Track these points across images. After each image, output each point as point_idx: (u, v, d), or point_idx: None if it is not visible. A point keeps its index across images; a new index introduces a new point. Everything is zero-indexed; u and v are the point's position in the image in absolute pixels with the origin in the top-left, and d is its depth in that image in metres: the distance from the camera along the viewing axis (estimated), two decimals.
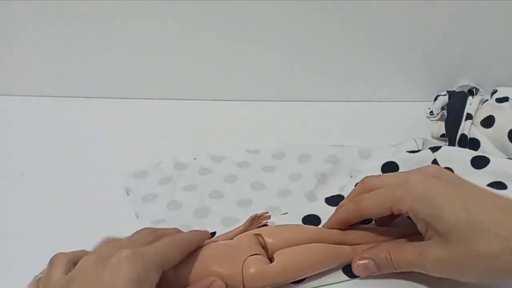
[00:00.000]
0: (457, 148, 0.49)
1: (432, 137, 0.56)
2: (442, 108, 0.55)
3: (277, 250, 0.38)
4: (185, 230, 0.44)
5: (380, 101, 0.61)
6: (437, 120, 0.56)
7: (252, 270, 0.36)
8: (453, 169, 0.46)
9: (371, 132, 0.58)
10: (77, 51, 0.62)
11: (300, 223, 0.44)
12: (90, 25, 0.60)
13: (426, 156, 0.48)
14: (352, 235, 0.40)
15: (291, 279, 0.38)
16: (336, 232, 0.40)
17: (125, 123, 0.60)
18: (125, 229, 0.45)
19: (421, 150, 0.49)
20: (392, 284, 0.40)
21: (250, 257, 0.37)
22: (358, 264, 0.39)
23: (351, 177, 0.50)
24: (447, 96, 0.55)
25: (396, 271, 0.38)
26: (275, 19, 0.58)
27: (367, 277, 0.40)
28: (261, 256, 0.38)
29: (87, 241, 0.44)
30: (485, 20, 0.57)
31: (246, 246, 0.38)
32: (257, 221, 0.42)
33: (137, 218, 0.46)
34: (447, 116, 0.54)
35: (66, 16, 0.59)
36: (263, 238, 0.39)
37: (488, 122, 0.51)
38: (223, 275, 0.36)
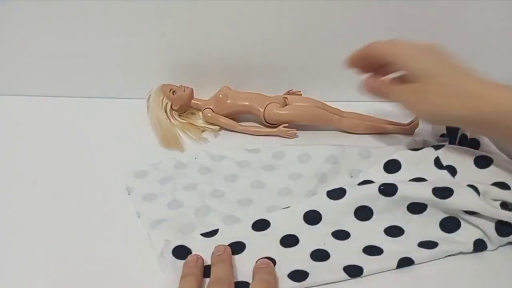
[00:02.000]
0: (460, 147, 0.49)
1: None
2: None
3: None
4: (187, 229, 0.45)
5: (381, 101, 0.61)
6: None
7: (271, 108, 0.58)
8: (456, 168, 0.46)
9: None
10: (77, 51, 0.62)
11: (301, 219, 0.45)
12: (90, 25, 0.60)
13: (429, 153, 0.48)
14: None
15: (294, 120, 0.58)
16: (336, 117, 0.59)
17: (125, 123, 0.60)
18: (126, 229, 0.45)
19: (423, 148, 0.49)
20: (393, 283, 0.40)
21: (273, 103, 0.58)
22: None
23: (351, 177, 0.50)
24: None
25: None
26: (276, 19, 0.58)
27: (367, 276, 0.41)
28: (280, 104, 0.59)
29: (88, 241, 0.44)
30: (485, 20, 0.57)
31: (274, 98, 0.59)
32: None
33: (138, 217, 0.46)
34: None
35: (66, 16, 0.59)
36: (287, 99, 0.60)
37: None
38: (252, 106, 0.58)
